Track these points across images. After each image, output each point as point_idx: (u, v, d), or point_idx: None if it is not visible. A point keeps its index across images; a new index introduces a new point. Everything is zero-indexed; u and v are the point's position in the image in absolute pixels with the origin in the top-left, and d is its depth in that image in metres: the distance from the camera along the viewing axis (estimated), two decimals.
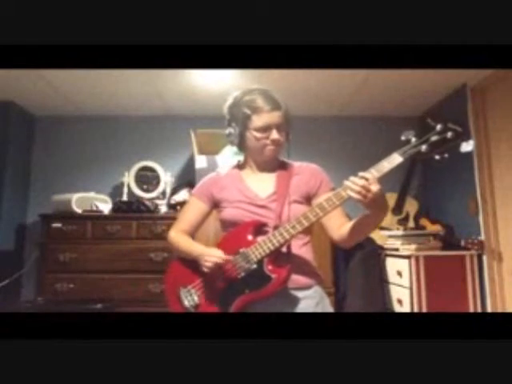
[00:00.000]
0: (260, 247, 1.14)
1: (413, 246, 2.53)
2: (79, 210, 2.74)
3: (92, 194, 2.90)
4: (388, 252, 2.74)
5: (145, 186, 3.12)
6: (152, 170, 3.14)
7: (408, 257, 2.45)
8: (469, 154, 2.61)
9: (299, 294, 1.20)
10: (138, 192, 3.08)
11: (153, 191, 3.10)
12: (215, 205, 1.32)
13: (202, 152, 2.75)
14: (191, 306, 1.21)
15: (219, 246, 1.23)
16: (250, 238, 1.17)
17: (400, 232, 2.77)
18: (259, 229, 1.19)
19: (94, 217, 2.72)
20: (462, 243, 2.49)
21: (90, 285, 2.56)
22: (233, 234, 1.24)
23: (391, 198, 3.00)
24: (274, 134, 1.21)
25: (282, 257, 1.17)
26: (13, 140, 2.99)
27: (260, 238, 1.16)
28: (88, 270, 2.59)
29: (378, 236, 2.88)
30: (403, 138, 1.06)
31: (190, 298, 1.22)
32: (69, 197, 2.75)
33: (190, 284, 1.24)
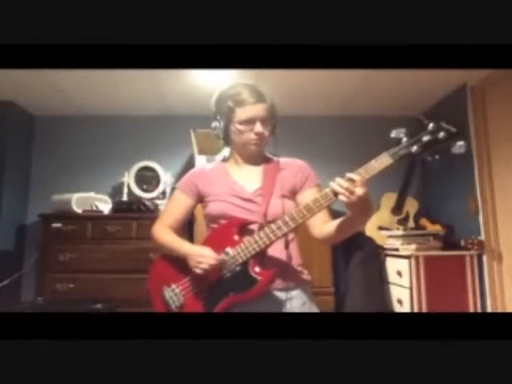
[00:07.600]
0: (245, 248, 1.10)
1: (413, 246, 2.53)
2: (79, 210, 2.74)
3: (92, 194, 2.90)
4: (388, 252, 2.74)
5: (145, 186, 3.12)
6: (152, 169, 3.14)
7: (408, 257, 2.45)
8: (469, 154, 2.61)
9: (285, 295, 1.16)
10: (138, 192, 3.08)
11: (153, 191, 3.10)
12: (200, 199, 1.28)
13: (202, 152, 2.75)
14: (175, 307, 1.17)
15: (204, 244, 1.20)
16: (236, 237, 1.14)
17: (400, 232, 2.77)
18: (245, 227, 1.16)
19: (94, 217, 2.72)
20: (462, 243, 2.50)
21: (90, 285, 2.56)
22: (218, 232, 1.20)
23: (391, 198, 3.01)
24: (258, 127, 1.19)
25: (267, 258, 1.14)
26: (13, 140, 2.99)
27: (246, 239, 1.13)
28: (88, 270, 2.59)
29: (378, 236, 2.88)
30: (393, 135, 1.00)
31: (175, 297, 1.18)
32: (69, 197, 2.75)
33: (174, 283, 1.20)
